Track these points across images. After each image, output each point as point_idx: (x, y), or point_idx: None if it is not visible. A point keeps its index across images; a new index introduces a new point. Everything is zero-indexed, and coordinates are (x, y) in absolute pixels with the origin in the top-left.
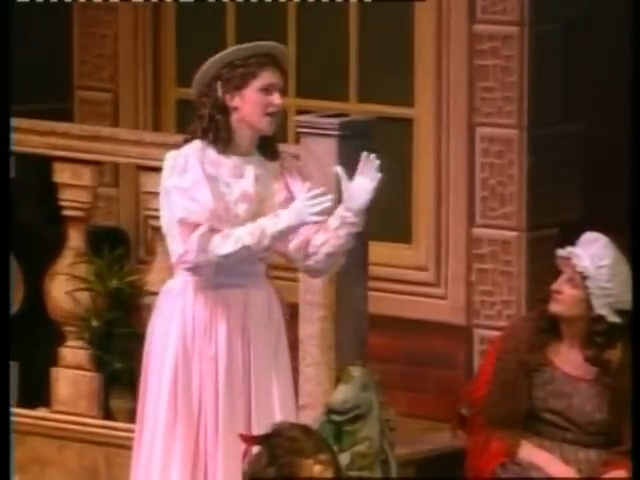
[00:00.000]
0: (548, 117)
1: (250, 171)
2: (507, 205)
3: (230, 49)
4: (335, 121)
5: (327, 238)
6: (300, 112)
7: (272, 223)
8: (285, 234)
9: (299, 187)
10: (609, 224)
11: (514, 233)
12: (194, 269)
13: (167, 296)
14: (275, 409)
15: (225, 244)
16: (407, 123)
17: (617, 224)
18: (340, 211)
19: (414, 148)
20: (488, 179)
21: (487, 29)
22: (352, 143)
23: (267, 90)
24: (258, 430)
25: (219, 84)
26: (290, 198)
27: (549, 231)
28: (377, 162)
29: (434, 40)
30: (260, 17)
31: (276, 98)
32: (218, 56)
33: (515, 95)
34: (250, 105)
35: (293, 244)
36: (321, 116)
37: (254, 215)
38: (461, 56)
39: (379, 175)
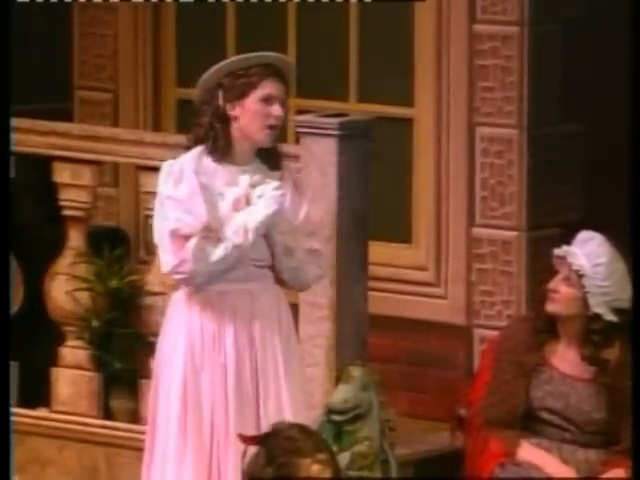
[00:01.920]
0: (548, 117)
1: (244, 180)
2: (507, 205)
3: (233, 58)
4: (335, 121)
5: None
6: (300, 112)
7: (250, 218)
8: (265, 224)
9: (293, 202)
10: (609, 224)
11: (514, 233)
12: (188, 279)
13: (175, 307)
14: (285, 414)
15: (217, 250)
16: (407, 123)
17: (617, 224)
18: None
19: (414, 148)
20: (488, 179)
21: (487, 29)
22: (352, 143)
23: (267, 101)
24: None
25: (220, 93)
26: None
27: (549, 231)
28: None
29: (434, 40)
30: (260, 17)
31: (276, 109)
32: (220, 65)
33: (515, 95)
34: (250, 115)
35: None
36: (321, 116)
37: None
38: (461, 56)
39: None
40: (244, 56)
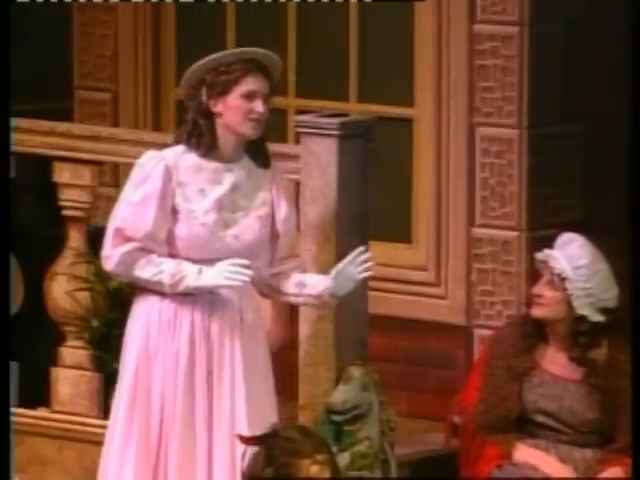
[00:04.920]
0: (548, 117)
1: (229, 179)
2: (507, 205)
3: (215, 55)
4: (335, 121)
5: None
6: (300, 112)
7: (194, 276)
8: (200, 290)
9: (282, 209)
10: (609, 224)
11: (514, 233)
12: (112, 273)
13: (140, 293)
14: (240, 413)
15: (146, 269)
16: (407, 123)
17: (617, 224)
18: (320, 290)
19: (414, 148)
20: (488, 179)
21: (487, 29)
22: (352, 143)
23: (250, 97)
24: (218, 429)
25: (204, 89)
26: (271, 216)
27: (549, 231)
28: (367, 255)
29: (434, 40)
30: (260, 17)
31: (259, 105)
32: (202, 61)
33: (515, 95)
34: (232, 111)
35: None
36: (321, 116)
37: (225, 225)
38: (461, 56)
39: (368, 270)
40: (226, 52)
